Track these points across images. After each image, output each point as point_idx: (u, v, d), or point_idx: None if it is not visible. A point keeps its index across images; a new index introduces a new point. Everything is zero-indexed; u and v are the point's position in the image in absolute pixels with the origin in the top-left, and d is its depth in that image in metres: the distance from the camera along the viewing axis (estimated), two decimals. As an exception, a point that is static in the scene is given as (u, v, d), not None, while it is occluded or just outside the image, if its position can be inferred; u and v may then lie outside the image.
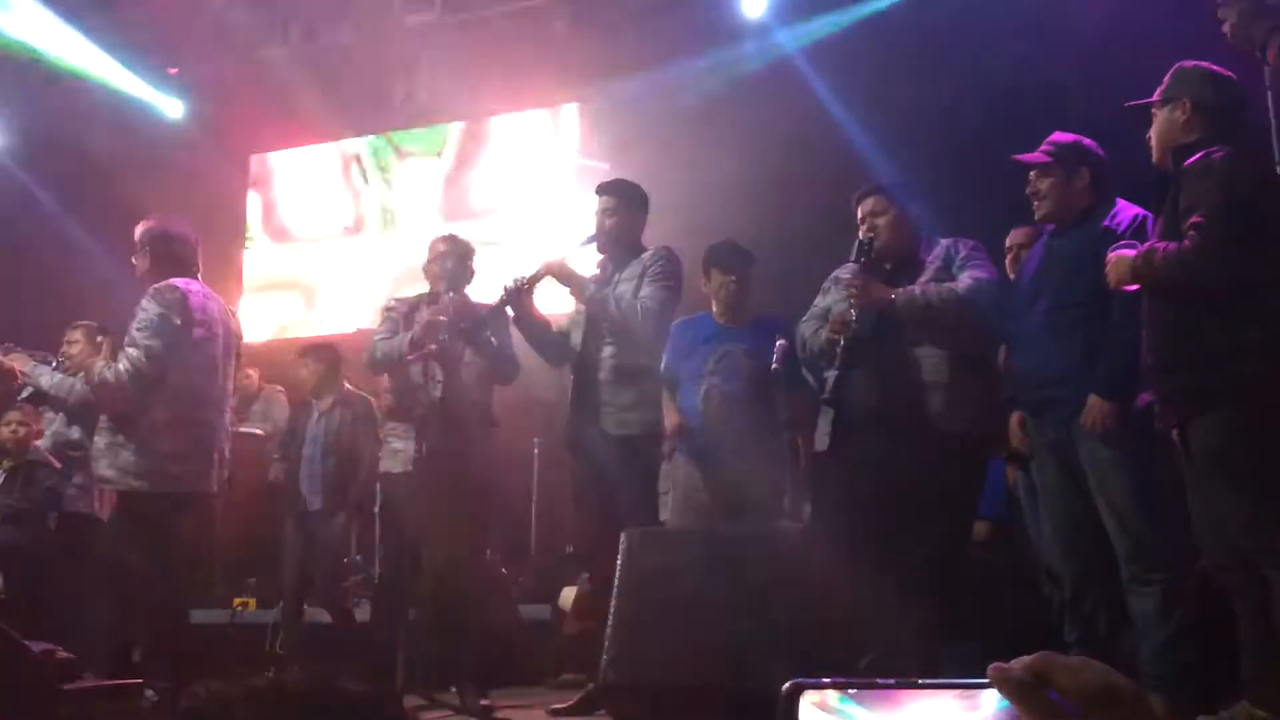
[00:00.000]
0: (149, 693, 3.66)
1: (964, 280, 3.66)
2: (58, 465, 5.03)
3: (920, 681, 0.78)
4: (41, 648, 3.25)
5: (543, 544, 6.60)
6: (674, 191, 5.77)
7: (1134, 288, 3.06)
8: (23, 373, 4.79)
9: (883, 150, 6.22)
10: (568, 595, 5.68)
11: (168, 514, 4.03)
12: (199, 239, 4.37)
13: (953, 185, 5.31)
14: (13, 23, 7.74)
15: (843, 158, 6.28)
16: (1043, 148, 3.64)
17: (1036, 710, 0.74)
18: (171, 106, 8.70)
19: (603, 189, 4.43)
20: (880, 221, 3.78)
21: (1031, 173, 3.63)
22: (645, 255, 4.25)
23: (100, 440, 4.05)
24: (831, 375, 3.62)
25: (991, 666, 0.76)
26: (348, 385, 5.59)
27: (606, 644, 2.95)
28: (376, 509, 5.85)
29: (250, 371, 6.61)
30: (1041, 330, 3.54)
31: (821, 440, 3.73)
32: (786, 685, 0.79)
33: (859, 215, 3.84)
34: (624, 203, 4.36)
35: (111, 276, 7.76)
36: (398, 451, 4.38)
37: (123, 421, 4.02)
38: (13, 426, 5.02)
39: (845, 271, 3.81)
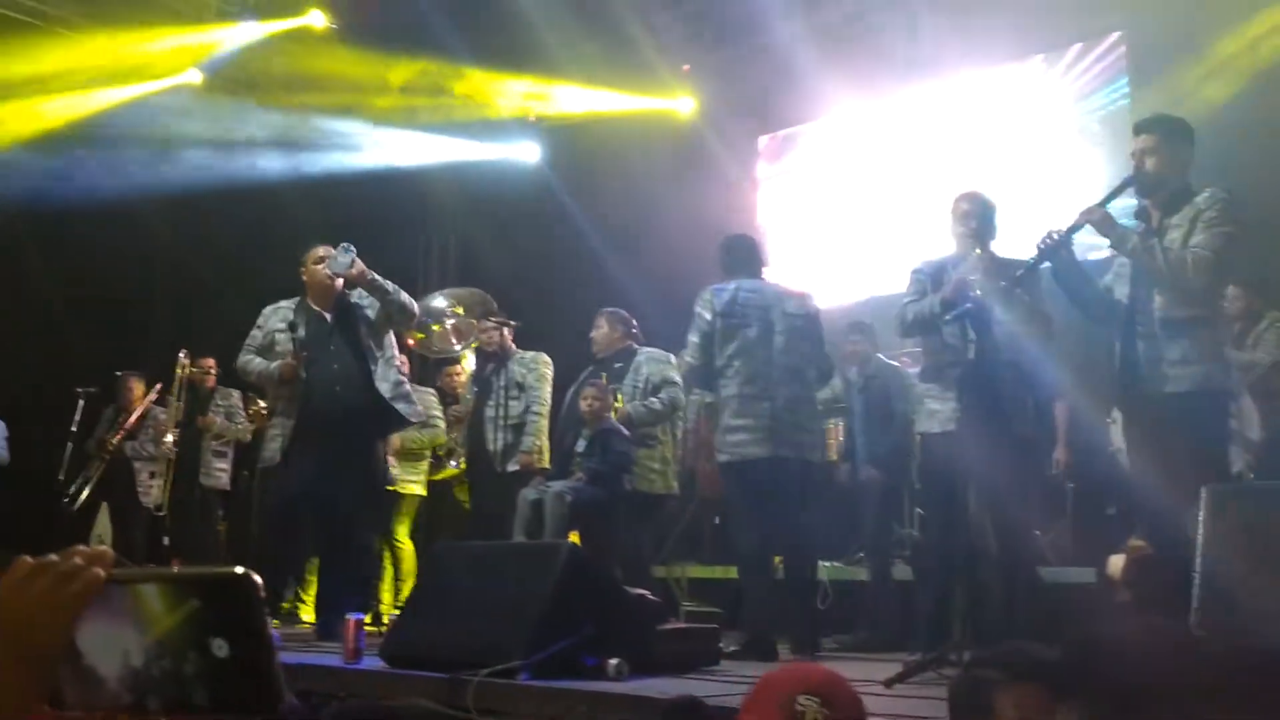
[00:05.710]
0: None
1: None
2: (627, 433, 5.68)
3: None
4: (636, 592, 3.67)
5: (1080, 506, 6.36)
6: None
7: None
8: None
9: None
10: (1116, 562, 5.40)
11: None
12: (755, 239, 5.13)
13: None
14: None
15: None
16: None
17: None
18: (684, 104, 9.30)
19: (1141, 126, 4.12)
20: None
21: None
22: (1200, 198, 3.91)
23: None
24: None
25: None
26: None
27: (1194, 603, 2.80)
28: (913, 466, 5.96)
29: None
30: None
31: None
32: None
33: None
34: (1166, 140, 4.02)
35: (628, 275, 8.42)
36: (935, 412, 4.41)
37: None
38: (589, 401, 5.70)
39: None
